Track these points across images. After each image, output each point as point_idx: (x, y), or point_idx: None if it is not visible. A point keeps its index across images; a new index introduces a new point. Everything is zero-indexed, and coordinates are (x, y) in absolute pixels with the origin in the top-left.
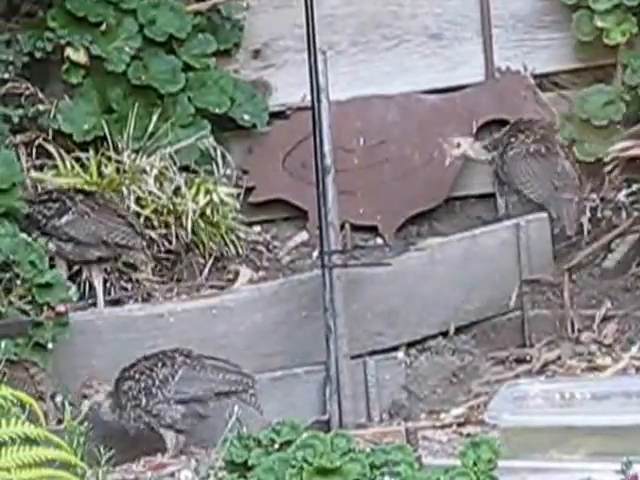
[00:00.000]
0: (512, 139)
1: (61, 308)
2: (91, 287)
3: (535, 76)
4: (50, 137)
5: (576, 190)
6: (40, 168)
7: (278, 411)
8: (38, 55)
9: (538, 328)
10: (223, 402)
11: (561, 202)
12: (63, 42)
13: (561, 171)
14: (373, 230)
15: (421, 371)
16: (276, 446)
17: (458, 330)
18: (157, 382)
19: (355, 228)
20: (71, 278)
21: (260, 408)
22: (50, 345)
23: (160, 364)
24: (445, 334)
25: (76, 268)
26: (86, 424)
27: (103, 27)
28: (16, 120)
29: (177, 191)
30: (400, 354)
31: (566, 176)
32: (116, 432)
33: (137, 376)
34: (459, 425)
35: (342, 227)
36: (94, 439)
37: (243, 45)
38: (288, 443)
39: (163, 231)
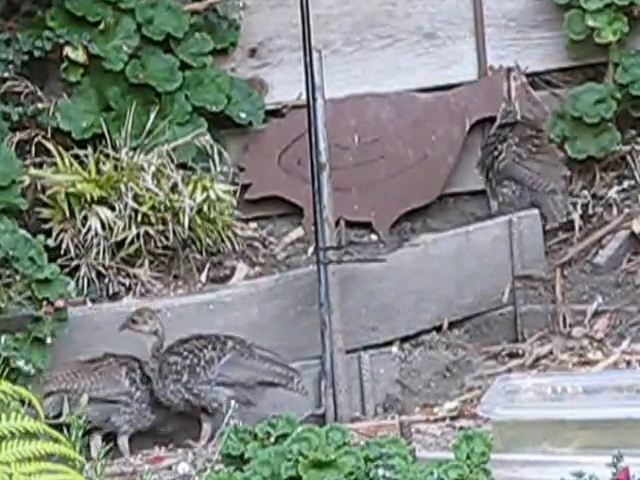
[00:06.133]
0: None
1: (60, 303)
2: (89, 282)
3: (527, 75)
4: (49, 135)
5: (560, 180)
6: (39, 165)
7: (274, 405)
8: (37, 54)
9: (530, 323)
10: (268, 391)
11: (545, 196)
12: (62, 41)
13: (542, 169)
14: (367, 226)
15: (415, 365)
16: (272, 439)
17: (451, 325)
18: (202, 362)
19: (350, 224)
20: (70, 274)
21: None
22: (49, 340)
23: (210, 346)
24: (439, 329)
25: (74, 264)
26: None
27: (101, 26)
28: (15, 118)
29: (174, 188)
30: (394, 349)
31: (548, 170)
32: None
33: (185, 353)
34: (452, 419)
35: (337, 223)
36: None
37: (239, 44)
38: (284, 436)
39: (160, 227)
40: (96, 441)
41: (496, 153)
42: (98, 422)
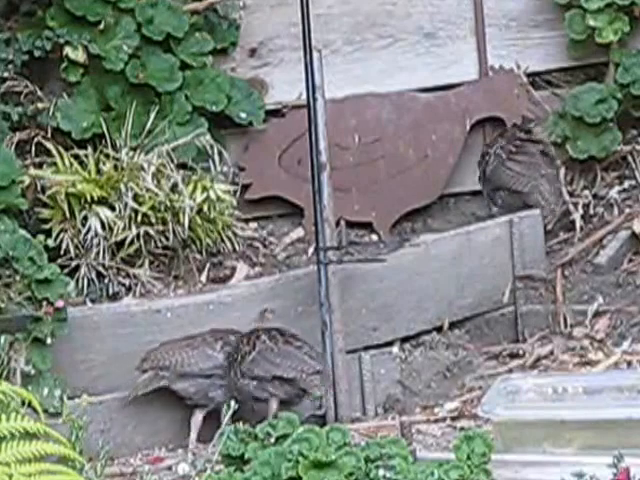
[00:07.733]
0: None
1: (60, 303)
2: (89, 283)
3: (528, 74)
4: (49, 135)
5: (539, 178)
6: (39, 165)
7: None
8: (37, 54)
9: (531, 323)
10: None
11: (530, 196)
12: (62, 41)
13: (521, 169)
14: (368, 226)
15: (415, 366)
16: (272, 440)
17: (452, 325)
18: (239, 358)
19: (350, 224)
20: (70, 274)
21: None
22: (49, 340)
23: (246, 340)
24: (439, 329)
25: (74, 264)
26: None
27: (101, 26)
28: (15, 118)
29: (174, 188)
30: (395, 349)
31: (526, 170)
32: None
33: (231, 350)
34: (453, 419)
35: (337, 223)
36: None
37: (240, 44)
38: (284, 437)
39: (160, 227)
40: (196, 419)
41: (486, 158)
42: (196, 399)
